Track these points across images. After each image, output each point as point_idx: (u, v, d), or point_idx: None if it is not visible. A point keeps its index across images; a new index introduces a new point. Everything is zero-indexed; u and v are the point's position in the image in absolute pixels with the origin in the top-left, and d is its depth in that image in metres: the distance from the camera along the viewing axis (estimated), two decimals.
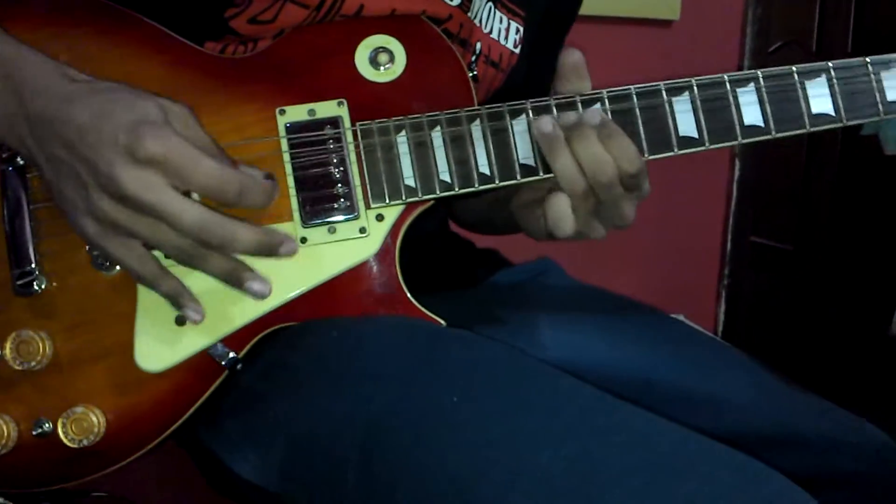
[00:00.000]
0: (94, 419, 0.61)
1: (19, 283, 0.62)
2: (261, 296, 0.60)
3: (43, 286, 0.62)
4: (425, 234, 0.69)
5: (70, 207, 0.57)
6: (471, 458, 0.50)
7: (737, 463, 0.48)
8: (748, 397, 0.71)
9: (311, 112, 0.64)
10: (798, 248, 3.13)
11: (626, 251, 1.99)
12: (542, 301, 0.82)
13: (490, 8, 0.76)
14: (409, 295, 0.64)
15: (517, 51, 0.80)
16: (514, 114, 0.64)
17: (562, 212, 0.62)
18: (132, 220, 0.55)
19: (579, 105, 0.64)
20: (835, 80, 0.66)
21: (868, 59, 0.67)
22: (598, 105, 0.64)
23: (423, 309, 0.64)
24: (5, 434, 0.62)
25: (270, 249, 0.59)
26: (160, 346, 0.61)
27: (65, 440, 0.61)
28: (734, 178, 2.13)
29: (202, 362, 0.62)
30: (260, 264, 0.61)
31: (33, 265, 0.62)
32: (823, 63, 0.67)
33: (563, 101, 0.65)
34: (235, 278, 0.59)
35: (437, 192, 0.64)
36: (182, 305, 0.59)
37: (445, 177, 0.64)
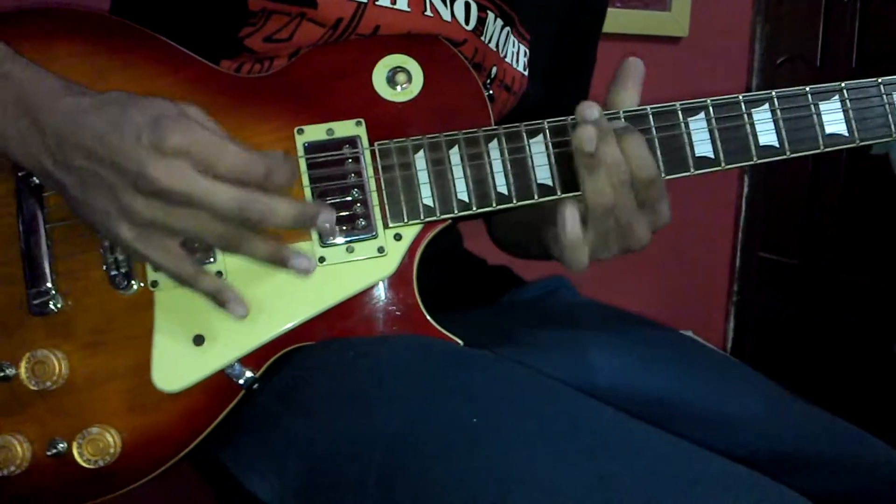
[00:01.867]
0: (110, 439, 0.61)
1: (35, 302, 0.62)
2: (306, 271, 0.60)
3: (59, 305, 0.62)
4: (440, 253, 0.69)
5: (102, 217, 0.57)
6: (491, 479, 0.50)
7: (760, 488, 0.48)
8: (761, 416, 0.71)
9: (330, 131, 0.64)
10: (804, 262, 3.13)
11: (636, 268, 1.98)
12: (554, 319, 0.82)
13: (507, 32, 0.77)
14: (426, 314, 0.64)
15: (526, 73, 0.80)
16: (532, 134, 0.64)
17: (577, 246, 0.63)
18: (169, 215, 0.55)
19: None
20: (848, 101, 0.67)
21: (880, 80, 0.68)
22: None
23: (440, 329, 0.64)
24: (20, 454, 0.61)
25: (307, 220, 0.58)
26: (177, 365, 0.61)
27: (80, 460, 0.61)
28: (743, 194, 2.13)
29: (219, 382, 0.62)
30: (278, 284, 0.61)
31: (49, 284, 0.62)
32: (837, 84, 0.68)
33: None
34: (280, 257, 0.59)
35: (455, 212, 0.64)
36: (225, 300, 0.59)
37: (463, 196, 0.64)
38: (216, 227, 0.56)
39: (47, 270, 0.62)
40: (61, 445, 0.61)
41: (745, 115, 0.66)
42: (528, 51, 0.80)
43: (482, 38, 0.73)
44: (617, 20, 1.69)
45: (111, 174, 0.55)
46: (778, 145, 0.66)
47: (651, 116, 0.65)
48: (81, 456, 0.61)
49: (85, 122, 0.55)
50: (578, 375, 0.72)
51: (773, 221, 2.68)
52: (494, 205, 0.64)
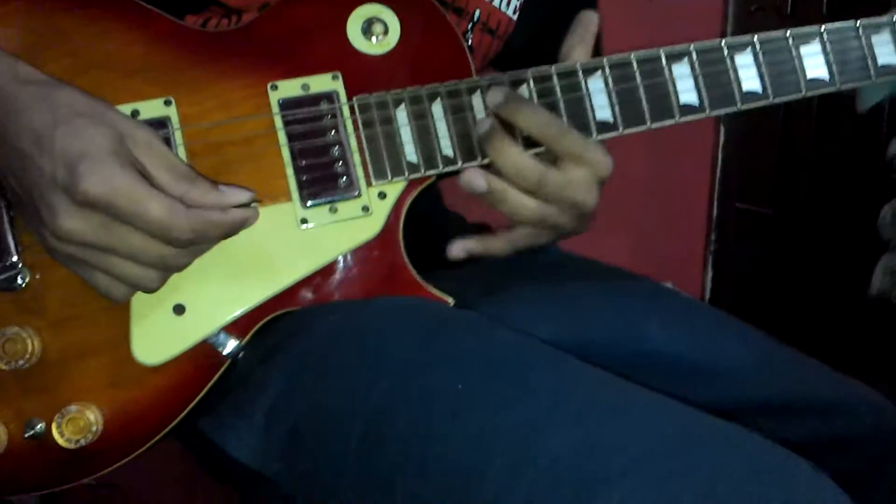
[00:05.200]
0: (91, 417, 0.58)
1: (1, 277, 0.58)
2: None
3: (27, 280, 0.59)
4: (419, 212, 0.67)
5: (29, 218, 0.55)
6: (475, 446, 0.49)
7: (751, 444, 0.47)
8: (746, 365, 0.71)
9: (305, 87, 0.61)
10: (777, 212, 3.17)
11: (614, 221, 1.98)
12: (538, 274, 0.81)
13: None
14: (415, 274, 0.63)
15: (515, 17, 0.78)
16: (516, 84, 0.63)
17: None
18: (84, 254, 0.54)
19: (580, 73, 0.63)
20: (828, 44, 0.67)
21: (859, 23, 0.68)
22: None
23: (430, 288, 0.63)
24: None
25: (236, 227, 0.57)
26: (159, 337, 0.58)
27: (60, 441, 0.58)
28: (719, 144, 2.14)
29: (203, 352, 0.59)
30: (261, 249, 0.59)
31: (15, 258, 0.59)
32: (816, 27, 0.67)
33: (564, 70, 0.63)
34: None
35: (440, 168, 0.62)
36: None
37: (448, 151, 0.62)
38: (135, 268, 0.54)
39: (11, 243, 0.59)
40: (39, 426, 0.58)
41: (728, 60, 0.65)
42: None
43: None
44: None
45: (31, 201, 0.53)
46: (761, 91, 0.66)
47: (635, 63, 0.64)
48: (62, 436, 0.58)
49: (17, 125, 0.52)
50: (564, 330, 0.71)
51: (749, 171, 2.70)
52: (480, 158, 0.62)
